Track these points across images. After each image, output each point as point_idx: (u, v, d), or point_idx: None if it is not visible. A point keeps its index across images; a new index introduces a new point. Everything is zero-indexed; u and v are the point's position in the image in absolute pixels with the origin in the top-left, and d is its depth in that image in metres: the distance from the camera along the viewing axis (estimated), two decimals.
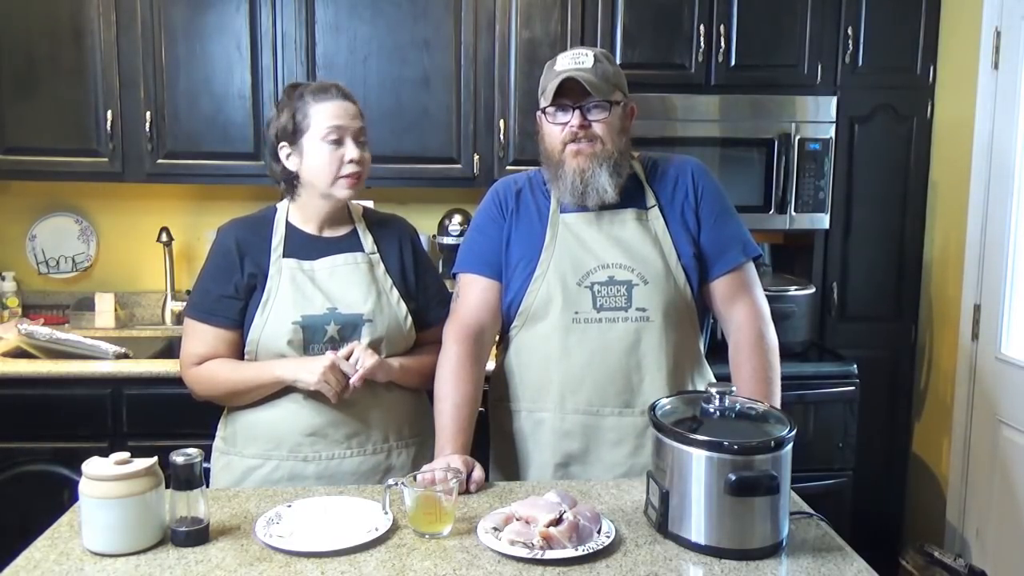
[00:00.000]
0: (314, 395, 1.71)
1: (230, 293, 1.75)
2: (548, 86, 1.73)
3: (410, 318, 1.82)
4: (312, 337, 1.73)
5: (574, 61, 1.72)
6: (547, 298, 1.76)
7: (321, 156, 1.73)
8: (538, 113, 1.79)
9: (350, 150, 1.72)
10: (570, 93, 1.70)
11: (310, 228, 1.82)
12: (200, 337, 1.76)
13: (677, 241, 1.78)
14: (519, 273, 1.79)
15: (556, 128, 1.74)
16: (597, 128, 1.71)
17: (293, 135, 1.75)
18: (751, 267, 1.84)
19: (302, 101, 1.74)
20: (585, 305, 1.75)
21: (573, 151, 1.72)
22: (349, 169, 1.73)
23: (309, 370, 1.68)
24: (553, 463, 1.78)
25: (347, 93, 1.77)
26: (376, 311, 1.77)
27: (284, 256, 1.78)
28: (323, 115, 1.72)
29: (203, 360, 1.76)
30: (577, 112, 1.71)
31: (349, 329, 1.75)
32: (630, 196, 1.80)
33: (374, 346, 1.75)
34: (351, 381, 1.70)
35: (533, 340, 1.79)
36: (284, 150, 1.77)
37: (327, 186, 1.74)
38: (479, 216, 1.89)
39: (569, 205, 1.79)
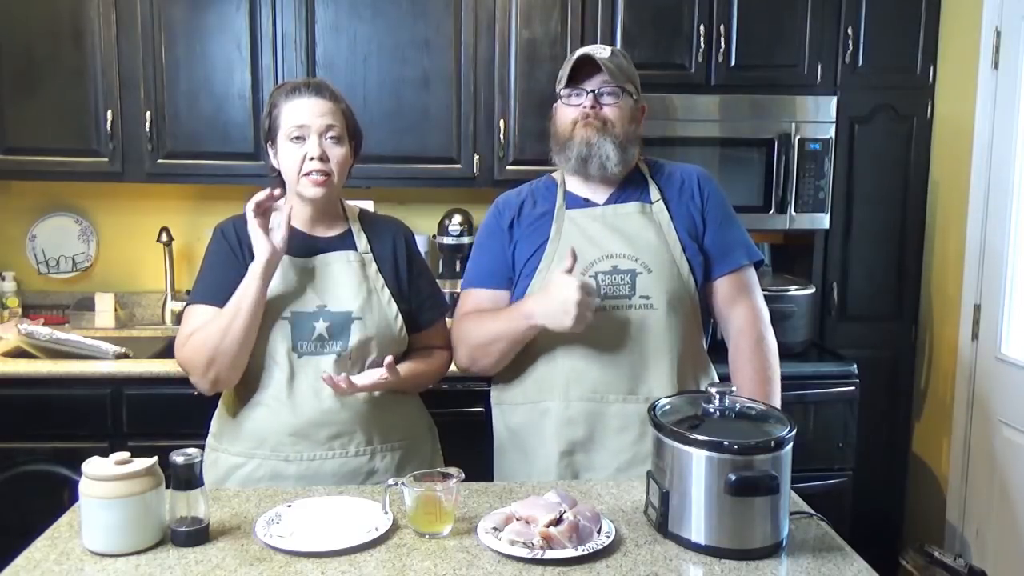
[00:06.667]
0: (298, 395, 1.71)
1: (232, 278, 1.72)
2: (565, 66, 1.79)
3: (401, 318, 1.80)
4: (300, 334, 1.73)
5: (594, 49, 1.78)
6: None
7: (287, 155, 1.74)
8: (555, 104, 1.84)
9: (311, 147, 1.72)
10: (586, 79, 1.77)
11: (303, 226, 1.81)
12: (199, 317, 1.73)
13: (681, 235, 1.80)
14: (527, 269, 1.82)
15: (569, 110, 1.79)
16: (607, 111, 1.77)
17: (269, 134, 1.77)
18: (753, 271, 1.85)
19: (277, 100, 1.76)
20: None
21: (582, 126, 1.77)
22: (309, 167, 1.72)
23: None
24: (558, 451, 1.78)
25: (322, 88, 1.76)
26: (366, 309, 1.76)
27: None
28: (289, 114, 1.73)
29: None
30: (591, 95, 1.76)
31: (338, 327, 1.74)
32: (635, 191, 1.83)
33: (364, 345, 1.75)
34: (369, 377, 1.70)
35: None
36: (270, 149, 1.78)
37: (295, 184, 1.75)
38: (480, 234, 1.92)
39: (574, 196, 1.82)
